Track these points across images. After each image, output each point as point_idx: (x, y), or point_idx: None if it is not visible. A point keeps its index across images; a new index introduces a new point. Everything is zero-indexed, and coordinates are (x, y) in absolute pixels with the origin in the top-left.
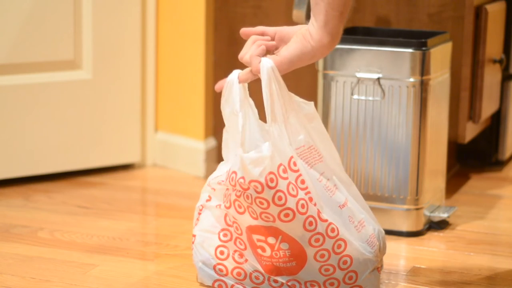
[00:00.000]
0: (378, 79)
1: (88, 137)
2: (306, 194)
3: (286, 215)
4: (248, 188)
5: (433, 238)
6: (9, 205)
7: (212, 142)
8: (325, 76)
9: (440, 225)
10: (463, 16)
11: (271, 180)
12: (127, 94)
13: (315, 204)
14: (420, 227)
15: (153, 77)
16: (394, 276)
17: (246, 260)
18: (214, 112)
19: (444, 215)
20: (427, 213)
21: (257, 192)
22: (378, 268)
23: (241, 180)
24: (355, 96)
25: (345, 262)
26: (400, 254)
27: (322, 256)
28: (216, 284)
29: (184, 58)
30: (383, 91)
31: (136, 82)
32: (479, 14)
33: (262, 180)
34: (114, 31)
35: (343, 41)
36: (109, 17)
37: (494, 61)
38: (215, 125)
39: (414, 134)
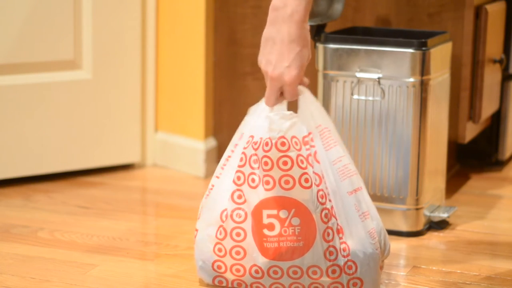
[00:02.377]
0: (378, 79)
1: (88, 137)
2: (320, 169)
3: (306, 180)
4: (271, 149)
5: (433, 238)
6: (9, 205)
7: (212, 142)
8: (325, 76)
9: (440, 225)
10: (463, 16)
11: (295, 143)
12: (127, 94)
13: (325, 182)
14: (420, 227)
15: (153, 77)
16: (394, 276)
17: (245, 255)
18: (214, 112)
19: (444, 215)
20: (427, 213)
21: (282, 151)
22: (380, 267)
23: (267, 140)
24: (355, 96)
25: (344, 250)
26: (400, 254)
27: (328, 234)
28: (216, 281)
29: (184, 58)
30: (383, 91)
31: (136, 82)
32: (479, 14)
33: (288, 137)
34: (114, 31)
35: (343, 41)
36: (109, 17)
37: (494, 61)
38: (215, 125)
39: (414, 134)
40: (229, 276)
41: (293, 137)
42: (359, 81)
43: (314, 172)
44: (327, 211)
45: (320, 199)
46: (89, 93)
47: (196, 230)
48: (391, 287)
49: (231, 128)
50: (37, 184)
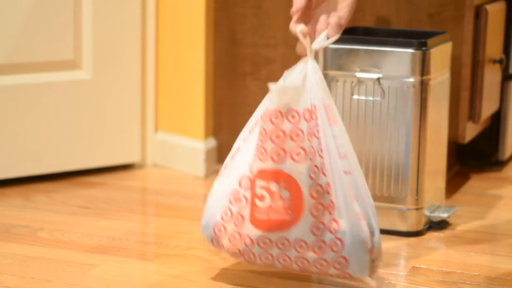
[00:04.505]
0: (378, 79)
1: (88, 137)
2: (318, 144)
3: (298, 153)
4: (266, 120)
5: (433, 238)
6: (9, 205)
7: (212, 142)
8: (325, 76)
9: (440, 225)
10: (463, 16)
11: (292, 116)
12: (127, 94)
13: (322, 157)
14: (420, 227)
15: (153, 77)
16: (394, 276)
17: (242, 222)
18: (214, 112)
19: (444, 215)
20: (427, 213)
21: (276, 124)
22: (373, 260)
23: (265, 110)
24: (355, 96)
25: (334, 228)
26: (400, 254)
27: (318, 210)
28: (214, 242)
29: (184, 58)
30: (383, 91)
31: (136, 82)
32: (479, 14)
33: (284, 110)
34: (114, 31)
35: (343, 41)
36: (109, 17)
37: (494, 61)
38: (215, 125)
39: (414, 134)
40: (225, 241)
41: (290, 109)
42: (359, 81)
43: (310, 146)
44: (319, 187)
45: (312, 175)
46: (89, 93)
47: (213, 189)
48: (391, 287)
49: (231, 128)
50: (37, 184)
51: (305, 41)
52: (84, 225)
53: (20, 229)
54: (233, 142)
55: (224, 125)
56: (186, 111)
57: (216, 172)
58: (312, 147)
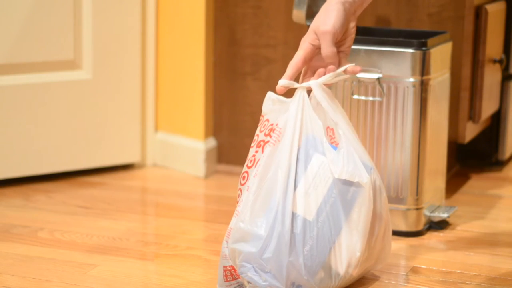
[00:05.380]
0: (378, 79)
1: (88, 137)
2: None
3: (250, 160)
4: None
5: (433, 238)
6: (9, 205)
7: (212, 142)
8: None
9: (440, 225)
10: (463, 16)
11: (264, 125)
12: (127, 94)
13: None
14: (420, 227)
15: (153, 77)
16: (394, 276)
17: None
18: (214, 112)
19: (444, 215)
20: (427, 213)
21: (258, 129)
22: None
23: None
24: (355, 96)
25: None
26: (400, 254)
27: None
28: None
29: (184, 58)
30: (383, 91)
31: (136, 82)
32: (479, 14)
33: (265, 117)
34: (114, 31)
35: None
36: (109, 17)
37: (494, 61)
38: (215, 125)
39: (414, 134)
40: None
41: (267, 120)
42: (359, 81)
43: (253, 155)
44: (239, 192)
45: (241, 180)
46: (89, 93)
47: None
48: (391, 287)
49: (231, 128)
50: (37, 184)
51: (294, 84)
52: (84, 225)
53: (20, 229)
54: (233, 142)
55: (224, 125)
56: (186, 111)
57: (216, 172)
58: (253, 155)
